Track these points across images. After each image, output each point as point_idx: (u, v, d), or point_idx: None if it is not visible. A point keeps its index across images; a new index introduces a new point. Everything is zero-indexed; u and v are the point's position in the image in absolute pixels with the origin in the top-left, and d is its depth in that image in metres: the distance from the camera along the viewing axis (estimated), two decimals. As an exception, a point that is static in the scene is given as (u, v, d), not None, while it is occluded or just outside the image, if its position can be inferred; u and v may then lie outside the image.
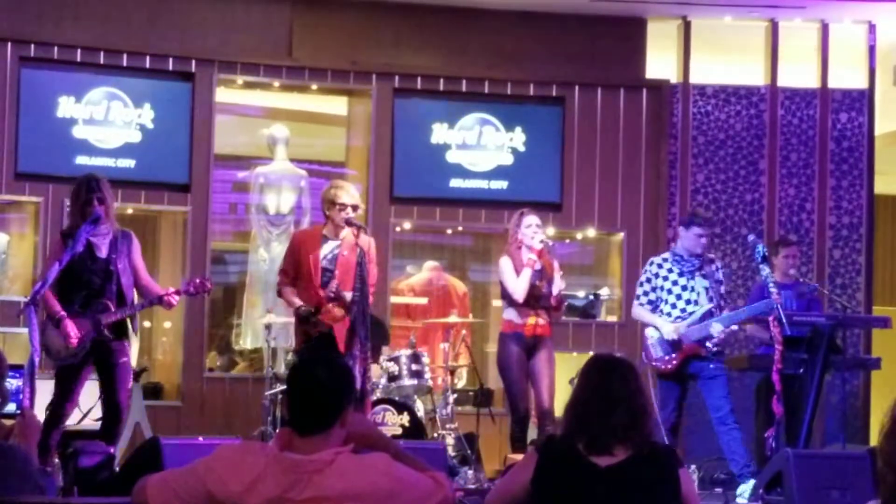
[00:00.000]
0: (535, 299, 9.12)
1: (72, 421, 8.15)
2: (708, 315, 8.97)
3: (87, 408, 8.31)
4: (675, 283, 9.09)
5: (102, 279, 7.90)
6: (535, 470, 4.33)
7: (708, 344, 8.95)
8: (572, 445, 4.31)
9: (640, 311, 9.27)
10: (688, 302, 9.06)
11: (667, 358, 9.01)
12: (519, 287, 9.07)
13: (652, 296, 9.16)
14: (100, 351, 7.90)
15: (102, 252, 7.90)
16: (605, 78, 11.95)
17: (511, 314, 9.18)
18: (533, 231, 9.14)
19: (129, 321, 8.04)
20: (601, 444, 4.28)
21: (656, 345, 9.08)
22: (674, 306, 9.08)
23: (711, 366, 9.00)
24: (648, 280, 9.20)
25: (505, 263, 9.21)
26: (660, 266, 9.18)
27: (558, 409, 9.10)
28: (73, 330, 7.75)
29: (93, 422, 8.22)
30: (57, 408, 7.82)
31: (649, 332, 9.17)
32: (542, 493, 4.30)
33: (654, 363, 9.08)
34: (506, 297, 9.24)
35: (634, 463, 4.26)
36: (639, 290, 9.29)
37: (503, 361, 9.21)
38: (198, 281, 8.39)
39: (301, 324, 8.62)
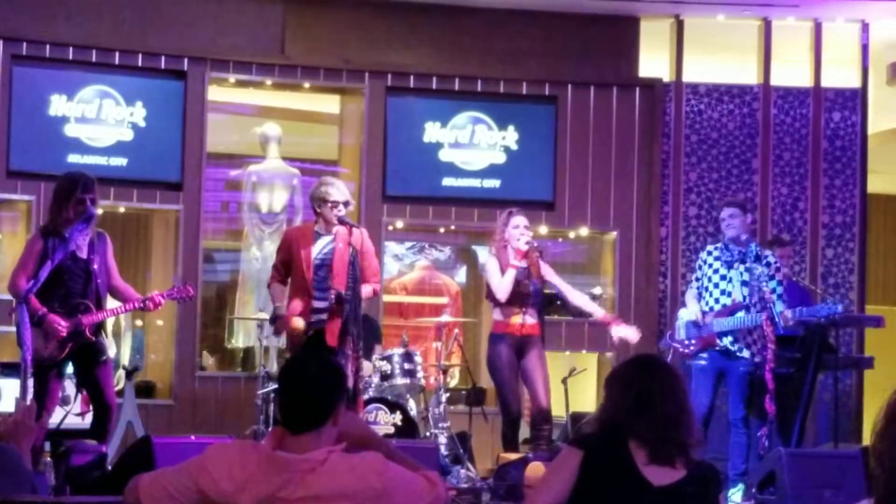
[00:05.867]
0: (522, 299, 9.09)
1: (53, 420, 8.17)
2: (736, 309, 8.92)
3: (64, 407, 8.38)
4: (715, 271, 9.05)
5: (82, 280, 7.93)
6: (580, 470, 4.10)
7: (726, 341, 8.91)
8: (625, 454, 4.10)
9: (688, 296, 9.32)
10: (722, 292, 9.00)
11: (686, 342, 9.04)
12: (502, 287, 9.04)
13: (697, 283, 9.20)
14: (82, 351, 7.92)
15: (83, 253, 7.93)
16: (598, 76, 11.94)
17: (499, 314, 9.16)
18: (520, 232, 9.11)
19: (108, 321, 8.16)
20: (664, 454, 4.08)
21: (682, 327, 9.14)
22: (710, 294, 9.06)
23: (742, 368, 8.97)
24: (699, 267, 9.21)
25: (491, 263, 9.19)
26: (709, 253, 9.17)
27: (554, 409, 9.14)
28: (59, 322, 7.76)
29: (75, 416, 8.25)
30: (38, 407, 7.81)
31: (681, 312, 9.26)
32: (585, 496, 4.10)
33: (674, 344, 9.15)
34: (491, 297, 9.22)
35: (687, 484, 4.09)
36: (693, 276, 9.38)
37: (493, 362, 9.17)
38: (182, 286, 8.44)
39: (271, 323, 8.80)
